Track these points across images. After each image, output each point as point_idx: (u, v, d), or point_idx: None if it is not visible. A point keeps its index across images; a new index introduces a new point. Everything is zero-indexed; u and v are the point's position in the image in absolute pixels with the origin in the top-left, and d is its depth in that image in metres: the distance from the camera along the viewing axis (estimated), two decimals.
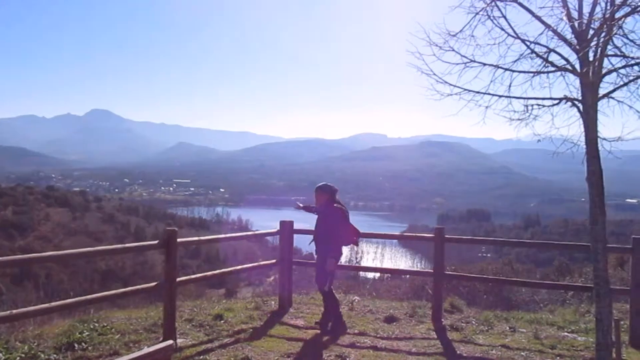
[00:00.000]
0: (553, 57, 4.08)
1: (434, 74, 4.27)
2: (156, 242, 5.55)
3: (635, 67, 3.67)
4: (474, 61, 3.98)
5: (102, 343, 5.47)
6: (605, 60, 4.09)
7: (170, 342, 3.10)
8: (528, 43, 4.23)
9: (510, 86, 3.97)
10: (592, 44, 3.62)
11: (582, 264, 17.96)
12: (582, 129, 4.47)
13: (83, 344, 5.37)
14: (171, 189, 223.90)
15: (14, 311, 4.22)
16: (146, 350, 3.12)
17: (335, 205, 6.67)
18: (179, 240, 5.68)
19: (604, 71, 3.73)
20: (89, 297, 4.81)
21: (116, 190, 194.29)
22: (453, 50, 3.96)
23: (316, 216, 6.86)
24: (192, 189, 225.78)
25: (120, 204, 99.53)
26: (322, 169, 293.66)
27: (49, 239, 66.50)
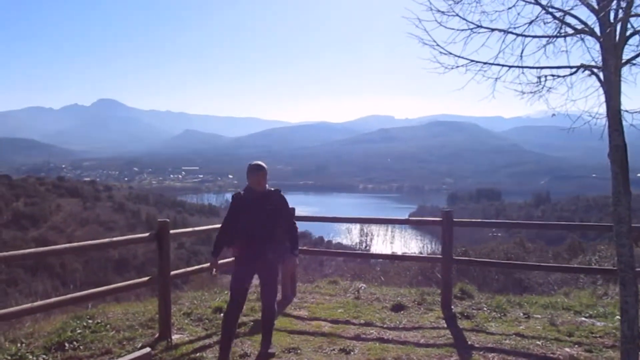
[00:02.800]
0: (569, 21, 3.67)
1: (437, 45, 3.87)
2: (147, 234, 5.26)
3: None
4: (481, 26, 3.57)
5: (94, 341, 5.22)
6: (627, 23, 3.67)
7: (147, 350, 2.81)
8: (542, 5, 3.80)
9: (522, 54, 3.57)
10: (614, 3, 3.21)
11: (595, 242, 17.57)
12: (601, 101, 4.08)
13: (74, 342, 5.12)
14: (180, 176, 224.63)
15: None
16: None
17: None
18: (171, 232, 5.39)
19: (628, 32, 3.32)
20: (75, 295, 4.54)
21: (125, 179, 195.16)
22: (457, 15, 3.56)
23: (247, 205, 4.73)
24: (201, 176, 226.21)
25: (130, 193, 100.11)
26: (330, 152, 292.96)
27: (61, 229, 67.04)
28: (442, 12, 3.56)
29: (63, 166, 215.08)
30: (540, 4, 3.47)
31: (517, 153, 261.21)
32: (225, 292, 7.96)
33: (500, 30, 3.56)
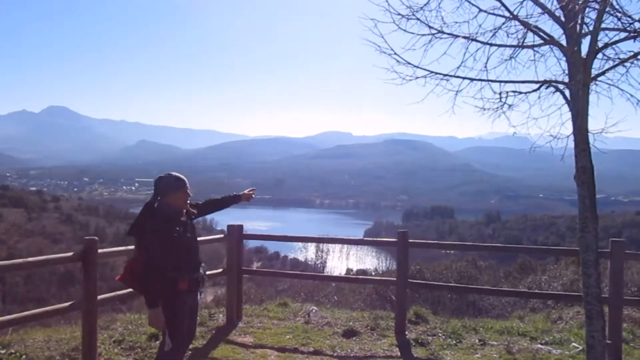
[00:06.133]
0: (534, 35, 3.44)
1: (395, 53, 3.57)
2: (70, 254, 4.67)
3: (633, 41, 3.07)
4: (443, 32, 3.29)
5: None
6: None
7: None
8: (510, 11, 3.57)
9: (487, 64, 3.31)
10: (581, 15, 3.00)
11: (544, 261, 17.84)
12: (564, 120, 3.89)
13: None
14: (133, 188, 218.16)
15: None
16: None
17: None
18: (100, 251, 4.82)
19: (599, 45, 3.11)
20: None
21: (75, 189, 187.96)
22: (419, 20, 3.27)
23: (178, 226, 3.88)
24: None
25: (79, 204, 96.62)
26: (288, 167, 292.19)
27: (3, 241, 63.36)
28: (402, 16, 3.26)
29: (7, 174, 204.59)
30: (509, 12, 3.21)
31: (469, 172, 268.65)
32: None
33: (464, 37, 3.29)
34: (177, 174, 3.87)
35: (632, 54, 3.34)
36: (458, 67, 3.39)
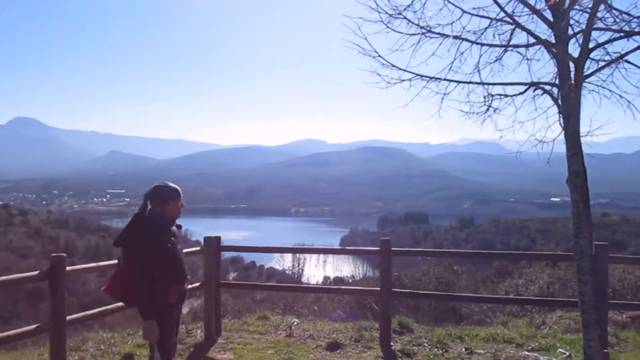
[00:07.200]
0: (522, 36, 3.35)
1: (379, 56, 3.43)
2: (36, 273, 4.37)
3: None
4: (432, 31, 3.17)
5: None
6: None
7: None
8: (489, 19, 3.48)
9: (479, 62, 3.20)
10: (572, 14, 2.92)
11: (520, 265, 17.98)
12: (549, 123, 3.82)
13: None
14: (104, 199, 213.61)
15: None
16: None
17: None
18: (68, 268, 4.53)
19: (591, 45, 3.04)
20: None
21: (44, 202, 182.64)
22: (406, 19, 3.14)
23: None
24: (128, 199, 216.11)
25: (48, 217, 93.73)
26: (263, 175, 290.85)
27: None
28: (390, 15, 3.12)
29: None
30: (501, 8, 3.11)
31: (443, 178, 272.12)
32: (140, 333, 6.97)
33: (455, 37, 3.18)
34: (172, 184, 3.79)
35: (619, 55, 3.28)
36: (450, 68, 3.28)
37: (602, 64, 3.22)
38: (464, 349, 5.94)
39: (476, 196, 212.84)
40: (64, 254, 4.48)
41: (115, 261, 5.81)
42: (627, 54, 3.01)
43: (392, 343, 6.12)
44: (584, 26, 3.12)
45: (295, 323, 7.22)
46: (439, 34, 3.19)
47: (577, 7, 3.01)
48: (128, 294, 3.48)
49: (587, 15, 3.06)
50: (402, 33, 3.21)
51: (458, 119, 4.28)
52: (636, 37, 2.93)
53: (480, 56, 3.26)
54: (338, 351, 6.00)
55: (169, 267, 3.57)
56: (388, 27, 3.20)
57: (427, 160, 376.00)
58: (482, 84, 3.45)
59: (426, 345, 6.12)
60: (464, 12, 3.57)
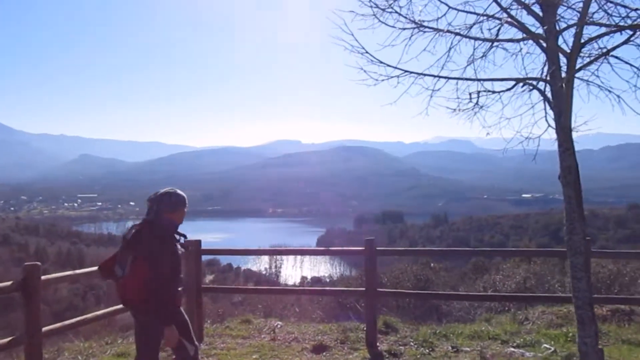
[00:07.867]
0: (510, 32, 3.33)
1: (367, 52, 3.36)
2: (9, 283, 4.15)
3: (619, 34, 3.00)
4: (425, 26, 3.12)
5: None
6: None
7: None
8: (475, 15, 3.44)
9: (473, 56, 3.15)
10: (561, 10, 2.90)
11: (496, 260, 18.23)
12: (536, 119, 3.80)
13: None
14: (75, 204, 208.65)
15: None
16: None
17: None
18: (43, 278, 4.32)
19: (583, 40, 3.03)
20: None
21: (12, 208, 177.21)
22: (398, 13, 3.08)
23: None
24: (100, 203, 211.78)
25: (16, 224, 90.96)
26: (237, 176, 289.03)
27: None
28: (382, 9, 3.06)
29: None
30: (498, 4, 3.07)
31: (417, 176, 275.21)
32: (120, 342, 6.76)
33: (448, 31, 3.13)
34: (180, 192, 3.92)
35: (605, 50, 3.28)
36: (443, 64, 3.23)
37: (589, 58, 3.22)
38: (450, 347, 5.92)
39: (449, 194, 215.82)
40: (38, 262, 4.28)
41: (94, 268, 5.61)
42: (614, 48, 3.02)
43: (378, 344, 6.07)
44: (571, 21, 3.12)
45: (279, 326, 7.11)
46: (432, 28, 3.14)
47: (564, 3, 3.00)
48: (146, 301, 3.46)
49: (575, 11, 3.06)
50: (395, 27, 3.16)
51: (431, 117, 4.23)
52: (628, 31, 2.94)
53: (474, 49, 3.22)
54: (324, 353, 5.91)
55: (176, 272, 3.75)
56: (380, 20, 3.14)
57: (402, 159, 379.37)
58: (471, 79, 3.42)
59: (412, 344, 6.09)
60: (450, 7, 3.53)
